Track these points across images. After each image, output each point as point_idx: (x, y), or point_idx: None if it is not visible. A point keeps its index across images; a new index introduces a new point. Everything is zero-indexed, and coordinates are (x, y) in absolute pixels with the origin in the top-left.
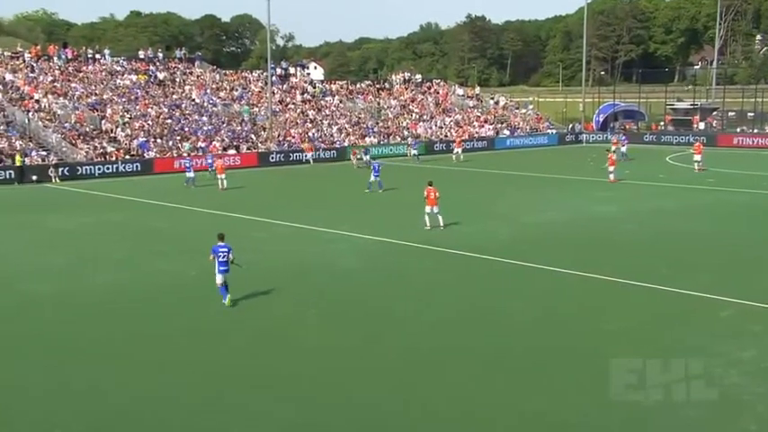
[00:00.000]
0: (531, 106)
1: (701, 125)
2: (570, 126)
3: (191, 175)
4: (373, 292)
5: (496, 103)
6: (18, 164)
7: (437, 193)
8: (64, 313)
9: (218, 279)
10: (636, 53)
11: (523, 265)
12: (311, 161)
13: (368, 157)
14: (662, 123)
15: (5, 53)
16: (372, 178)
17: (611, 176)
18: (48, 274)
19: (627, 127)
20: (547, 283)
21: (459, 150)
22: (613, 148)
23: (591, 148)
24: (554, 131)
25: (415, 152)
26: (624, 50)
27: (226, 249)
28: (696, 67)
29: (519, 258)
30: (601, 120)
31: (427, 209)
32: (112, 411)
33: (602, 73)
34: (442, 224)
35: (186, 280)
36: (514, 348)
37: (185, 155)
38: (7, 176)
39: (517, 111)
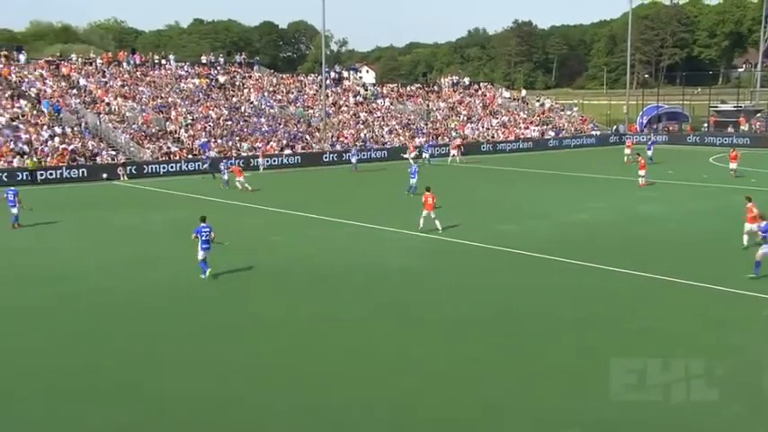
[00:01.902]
0: (575, 108)
1: (745, 127)
2: (614, 128)
3: (225, 177)
4: (420, 289)
5: (542, 105)
6: (31, 167)
7: (434, 199)
8: (126, 306)
9: (200, 255)
10: (680, 56)
11: (565, 261)
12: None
13: (427, 154)
14: (705, 125)
15: (80, 59)
16: (412, 180)
17: (642, 180)
18: (115, 269)
19: (670, 129)
20: (591, 280)
21: (456, 153)
22: (628, 150)
23: (637, 149)
24: (598, 133)
25: (426, 155)
26: (668, 54)
27: (208, 229)
28: (740, 69)
29: (560, 255)
30: (644, 121)
31: (424, 213)
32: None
33: (647, 76)
34: (440, 228)
35: (239, 275)
36: (564, 346)
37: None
38: (79, 174)
39: (562, 113)
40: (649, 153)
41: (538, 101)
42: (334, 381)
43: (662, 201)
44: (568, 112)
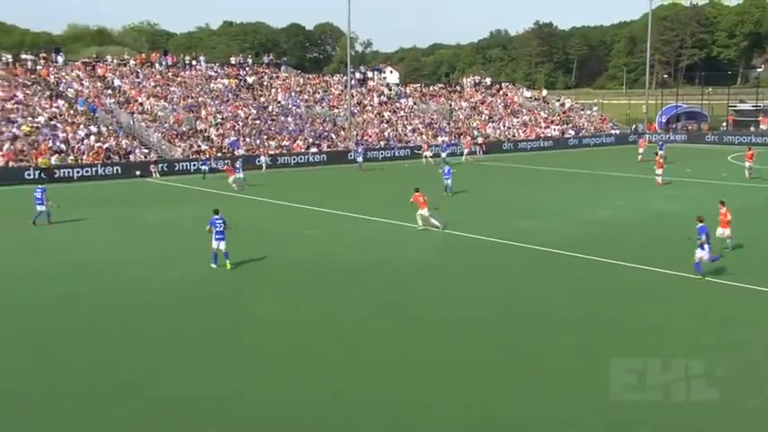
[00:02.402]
0: (595, 108)
1: (765, 126)
2: (633, 127)
3: (240, 175)
4: (441, 285)
5: (562, 105)
6: (44, 166)
7: (425, 197)
8: (160, 299)
9: (216, 245)
10: (699, 57)
11: (584, 258)
12: (429, 158)
13: (445, 154)
14: (724, 124)
15: (114, 61)
16: (445, 181)
17: (659, 179)
18: (147, 263)
19: (689, 128)
20: (611, 276)
21: (429, 154)
22: (641, 149)
23: (654, 148)
24: (617, 132)
25: (444, 155)
26: (687, 54)
27: (221, 221)
28: (759, 69)
29: (580, 252)
30: (664, 120)
31: (420, 212)
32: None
33: (666, 76)
34: (440, 225)
35: (263, 269)
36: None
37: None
38: (114, 172)
39: (582, 112)
40: (661, 152)
41: (558, 100)
42: (353, 376)
43: (681, 199)
44: (588, 112)
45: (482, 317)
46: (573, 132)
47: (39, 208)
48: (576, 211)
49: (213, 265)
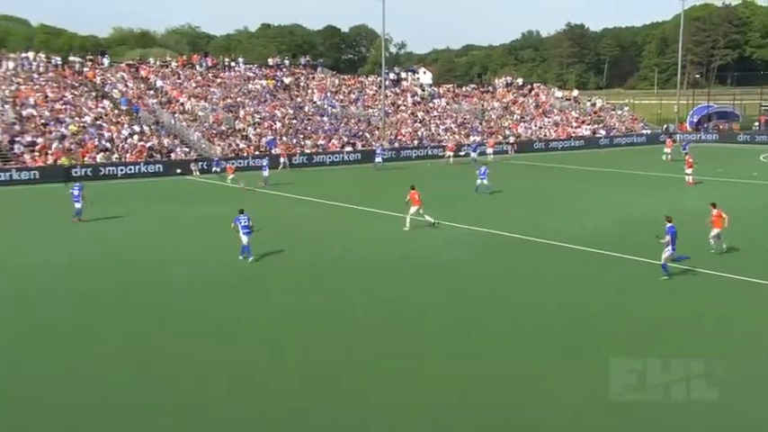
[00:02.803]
0: (626, 108)
1: None
2: (664, 127)
3: (266, 174)
4: (476, 281)
5: (593, 105)
6: (65, 164)
7: (419, 195)
8: (198, 295)
9: (244, 240)
10: (731, 57)
11: (615, 255)
12: (451, 160)
13: (476, 154)
14: (756, 124)
15: (157, 62)
16: (479, 181)
17: (689, 179)
18: (184, 259)
19: (721, 128)
20: (641, 273)
21: (451, 154)
22: (667, 149)
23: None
24: (648, 132)
25: (474, 155)
26: (719, 54)
27: (246, 218)
28: None
29: (610, 249)
30: (695, 120)
31: (412, 209)
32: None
33: (698, 76)
34: (433, 221)
35: (294, 265)
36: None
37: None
38: (156, 170)
39: (613, 112)
40: (684, 152)
41: (589, 101)
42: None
43: (712, 198)
44: (619, 112)
45: (537, 312)
46: (604, 132)
47: (76, 205)
48: (606, 210)
49: (240, 258)
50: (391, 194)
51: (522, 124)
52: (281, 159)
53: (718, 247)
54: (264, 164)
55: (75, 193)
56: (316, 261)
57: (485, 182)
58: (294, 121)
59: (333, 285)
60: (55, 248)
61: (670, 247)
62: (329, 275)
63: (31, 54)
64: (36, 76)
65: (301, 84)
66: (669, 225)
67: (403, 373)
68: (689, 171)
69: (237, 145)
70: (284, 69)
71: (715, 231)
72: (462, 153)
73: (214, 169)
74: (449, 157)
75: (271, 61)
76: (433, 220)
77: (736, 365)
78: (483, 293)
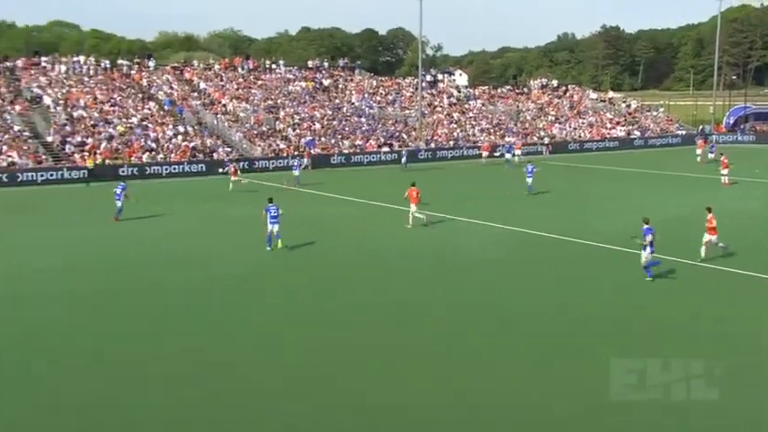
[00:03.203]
0: (661, 109)
1: None
2: (700, 128)
3: (297, 173)
4: (509, 279)
5: (628, 106)
6: (90, 165)
7: (419, 194)
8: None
9: (270, 228)
10: None
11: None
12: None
13: (509, 155)
14: None
15: (200, 65)
16: (528, 180)
17: (724, 179)
18: (229, 256)
19: (757, 129)
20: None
21: (486, 154)
22: (699, 151)
23: (720, 148)
24: (684, 133)
25: (508, 156)
26: (757, 56)
27: (275, 208)
28: None
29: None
30: (731, 121)
31: (412, 208)
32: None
33: (734, 77)
34: (424, 219)
35: (326, 261)
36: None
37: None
38: (199, 169)
39: (648, 113)
40: (711, 156)
41: (624, 102)
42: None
43: (746, 198)
44: (654, 113)
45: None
46: (638, 133)
47: (118, 204)
48: (641, 210)
49: (268, 248)
50: (426, 194)
51: (556, 125)
52: (304, 160)
53: (721, 250)
54: (295, 164)
55: (118, 191)
56: (348, 260)
57: (529, 181)
58: (333, 122)
59: (364, 284)
60: (81, 247)
61: (648, 249)
62: (359, 274)
63: (81, 58)
64: (86, 78)
65: (340, 85)
66: (646, 227)
67: (451, 373)
68: (724, 172)
69: (278, 145)
70: (323, 71)
71: (707, 238)
72: (497, 154)
73: (221, 170)
74: (485, 157)
75: (310, 63)
76: (425, 220)
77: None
78: (513, 292)
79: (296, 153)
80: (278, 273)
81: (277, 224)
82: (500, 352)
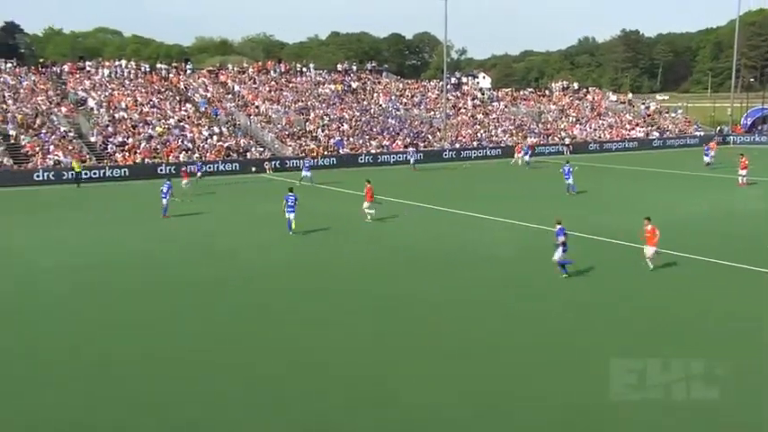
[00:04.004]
0: (680, 111)
1: None
2: (718, 129)
3: (308, 174)
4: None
5: (647, 108)
6: (77, 170)
7: (372, 191)
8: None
9: (288, 216)
10: None
11: (673, 254)
12: (519, 162)
13: (527, 157)
14: None
15: (235, 69)
16: (568, 181)
17: (740, 179)
18: (255, 249)
19: None
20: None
21: (520, 155)
22: (712, 152)
23: (737, 148)
24: (702, 134)
25: (526, 158)
26: None
27: (293, 197)
28: None
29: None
30: (749, 123)
31: (365, 204)
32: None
33: (752, 80)
34: (370, 218)
35: (360, 259)
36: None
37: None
38: (233, 168)
39: (667, 115)
40: (707, 159)
41: (643, 104)
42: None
43: (762, 198)
44: (673, 115)
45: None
46: (657, 134)
47: (164, 201)
48: (656, 208)
49: (290, 233)
50: (429, 193)
51: (577, 126)
52: (311, 161)
53: (654, 265)
54: (306, 164)
55: (164, 190)
56: (371, 255)
57: (569, 181)
58: (360, 123)
59: (392, 278)
60: (144, 242)
61: (561, 248)
62: (388, 268)
63: (123, 62)
64: (127, 82)
65: (368, 88)
66: (559, 227)
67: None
68: (743, 172)
69: (308, 145)
70: (352, 74)
71: (649, 249)
72: (521, 154)
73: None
74: (518, 158)
75: (339, 67)
76: (370, 218)
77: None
78: (526, 288)
79: (304, 154)
80: (305, 267)
81: (293, 213)
82: (510, 343)
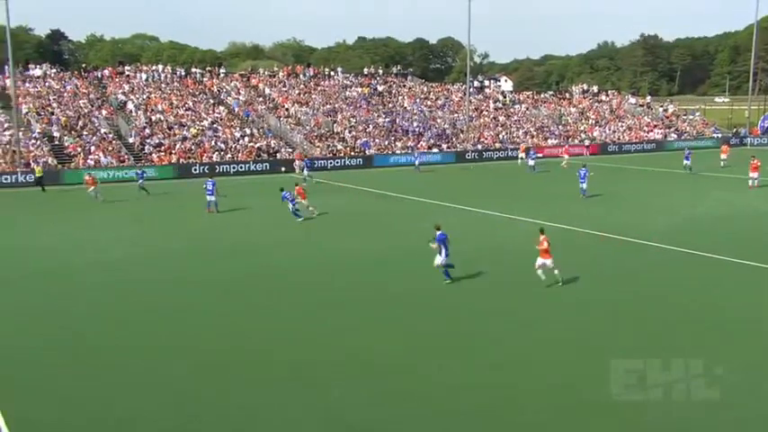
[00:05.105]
0: (697, 113)
1: None
2: (734, 130)
3: (307, 173)
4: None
5: (665, 110)
6: (39, 174)
7: (304, 191)
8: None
9: (291, 208)
10: None
11: (683, 251)
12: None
13: (532, 162)
14: None
15: (266, 72)
16: (583, 185)
17: (752, 182)
18: (281, 246)
19: None
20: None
21: (524, 155)
22: (724, 156)
23: (753, 150)
24: (719, 135)
25: (531, 162)
26: None
27: (289, 194)
28: None
29: (677, 245)
30: (766, 125)
31: (305, 203)
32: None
33: None
34: (300, 218)
35: (390, 253)
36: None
37: (138, 170)
38: (263, 168)
39: (684, 117)
40: (687, 162)
41: (662, 106)
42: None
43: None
44: (691, 117)
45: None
46: (675, 136)
47: (209, 198)
48: (672, 208)
49: (298, 220)
50: (475, 192)
51: (597, 128)
52: (297, 163)
53: (550, 279)
54: (305, 164)
55: (209, 188)
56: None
57: (583, 185)
58: (386, 125)
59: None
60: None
61: (443, 253)
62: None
63: (160, 67)
64: (164, 85)
65: (393, 91)
66: (439, 233)
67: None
68: (754, 175)
69: (335, 146)
70: (378, 78)
71: (540, 261)
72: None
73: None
74: (568, 160)
75: (366, 71)
76: (301, 219)
77: None
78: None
79: (305, 156)
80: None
81: (291, 203)
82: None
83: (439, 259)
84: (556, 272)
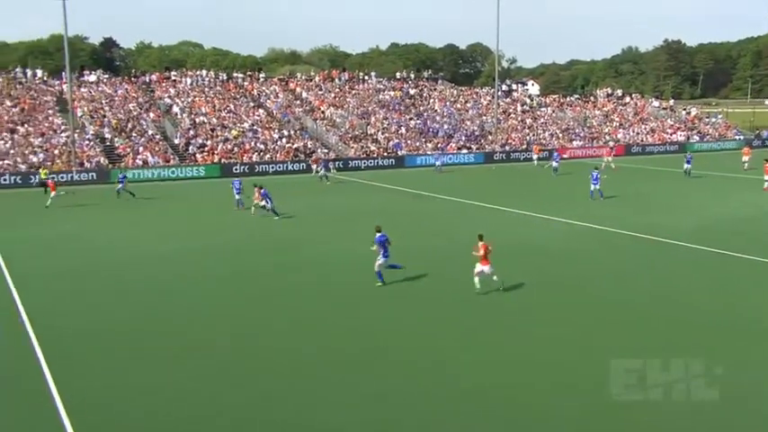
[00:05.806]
0: (720, 116)
1: None
2: (756, 132)
3: (323, 172)
4: (573, 269)
5: (688, 113)
6: (43, 177)
7: (260, 192)
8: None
9: (265, 204)
10: None
11: (707, 250)
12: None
13: (555, 164)
14: None
15: (303, 77)
16: (592, 186)
17: (766, 185)
18: (315, 243)
19: None
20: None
21: (536, 157)
22: (746, 158)
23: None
24: (741, 137)
25: (555, 164)
26: None
27: (264, 190)
28: None
29: (701, 244)
30: None
31: (254, 202)
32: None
33: None
34: (254, 213)
35: (414, 252)
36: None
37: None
38: (301, 168)
39: (707, 120)
40: (688, 166)
41: (684, 110)
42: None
43: None
44: (713, 120)
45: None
46: (697, 138)
47: (237, 197)
48: (693, 208)
49: (276, 218)
50: (501, 191)
51: (621, 130)
52: (313, 166)
53: (491, 285)
54: (323, 166)
55: (237, 186)
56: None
57: (597, 187)
58: (418, 126)
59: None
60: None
61: (381, 255)
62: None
63: (203, 72)
64: (207, 89)
65: (424, 94)
66: (379, 234)
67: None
68: (767, 177)
69: (369, 147)
70: (410, 82)
71: (479, 268)
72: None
73: (117, 188)
74: (609, 161)
75: (398, 75)
76: (253, 212)
77: None
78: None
79: (320, 159)
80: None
81: (268, 199)
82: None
83: (380, 261)
84: (495, 278)
